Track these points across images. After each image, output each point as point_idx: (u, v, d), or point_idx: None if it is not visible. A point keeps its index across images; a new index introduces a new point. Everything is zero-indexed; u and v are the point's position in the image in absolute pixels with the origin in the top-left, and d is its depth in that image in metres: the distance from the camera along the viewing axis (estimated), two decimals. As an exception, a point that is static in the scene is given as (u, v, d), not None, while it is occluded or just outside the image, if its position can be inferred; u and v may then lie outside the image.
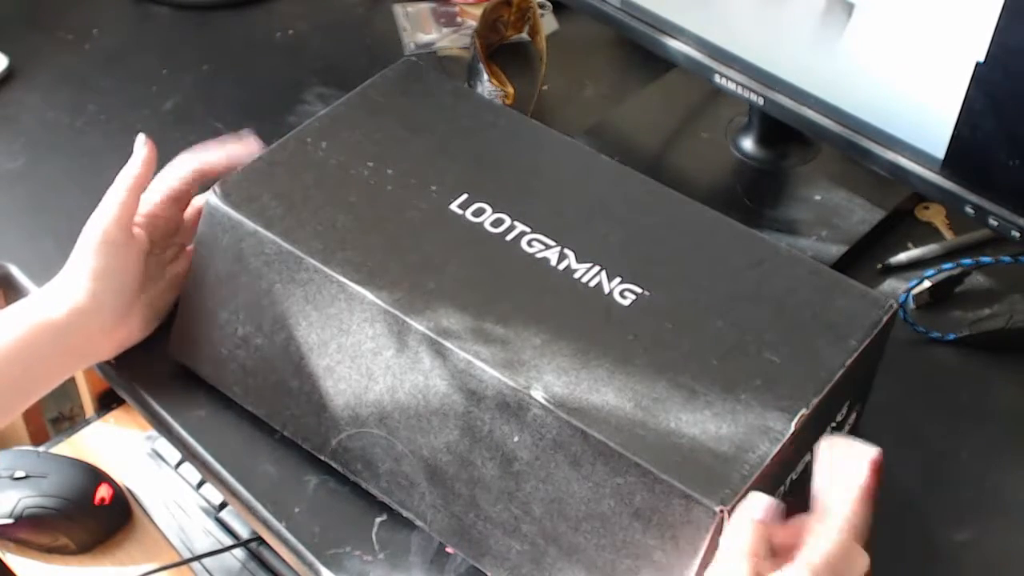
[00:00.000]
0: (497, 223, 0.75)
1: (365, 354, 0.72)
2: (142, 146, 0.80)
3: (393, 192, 0.77)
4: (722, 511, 0.62)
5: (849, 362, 0.69)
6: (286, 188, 0.77)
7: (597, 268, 0.73)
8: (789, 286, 0.73)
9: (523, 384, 0.67)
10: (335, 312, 0.72)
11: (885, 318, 0.72)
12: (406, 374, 0.70)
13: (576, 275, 0.72)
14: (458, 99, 0.85)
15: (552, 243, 0.74)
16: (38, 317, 0.75)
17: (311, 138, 0.81)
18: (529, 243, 0.74)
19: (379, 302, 0.70)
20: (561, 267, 0.73)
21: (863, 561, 0.59)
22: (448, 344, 0.68)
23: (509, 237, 0.74)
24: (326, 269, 0.72)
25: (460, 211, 0.76)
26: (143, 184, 0.79)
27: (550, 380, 0.67)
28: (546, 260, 0.73)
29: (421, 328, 0.69)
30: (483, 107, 0.86)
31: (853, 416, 0.76)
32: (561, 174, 0.81)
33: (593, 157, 0.83)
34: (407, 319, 0.70)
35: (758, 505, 0.61)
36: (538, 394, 0.66)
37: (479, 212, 0.76)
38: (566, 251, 0.74)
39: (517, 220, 0.75)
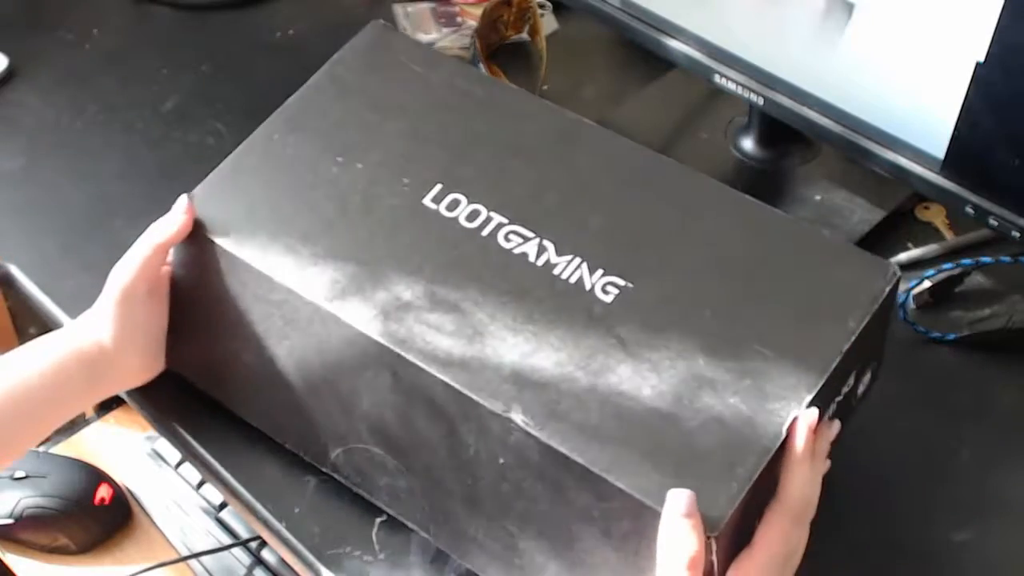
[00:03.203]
0: (472, 216, 0.72)
1: (347, 373, 0.70)
2: (183, 208, 0.75)
3: (364, 190, 0.74)
4: (710, 537, 0.61)
5: (847, 347, 0.66)
6: (254, 197, 0.75)
7: (578, 260, 0.70)
8: (786, 260, 0.69)
9: (502, 407, 0.65)
10: (313, 332, 0.71)
11: (888, 289, 0.68)
12: (387, 395, 0.69)
13: (556, 271, 0.69)
14: (430, 68, 0.80)
15: (530, 235, 0.71)
16: (71, 346, 0.75)
17: (277, 134, 0.78)
18: (506, 236, 0.71)
19: (353, 325, 0.69)
20: (540, 263, 0.70)
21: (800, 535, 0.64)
22: (425, 367, 0.67)
23: (485, 232, 0.71)
24: (298, 292, 0.70)
25: (434, 205, 0.73)
26: (171, 245, 0.76)
27: (530, 399, 0.65)
28: (524, 256, 0.70)
29: (396, 350, 0.67)
30: (457, 75, 0.81)
31: (867, 377, 0.73)
32: (541, 146, 0.76)
33: (577, 124, 0.78)
34: (382, 341, 0.68)
35: (681, 502, 0.61)
36: (518, 417, 0.64)
37: (454, 205, 0.73)
38: (545, 243, 0.70)
39: (494, 211, 0.72)
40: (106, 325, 0.76)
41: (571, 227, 0.71)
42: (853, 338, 0.66)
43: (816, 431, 0.64)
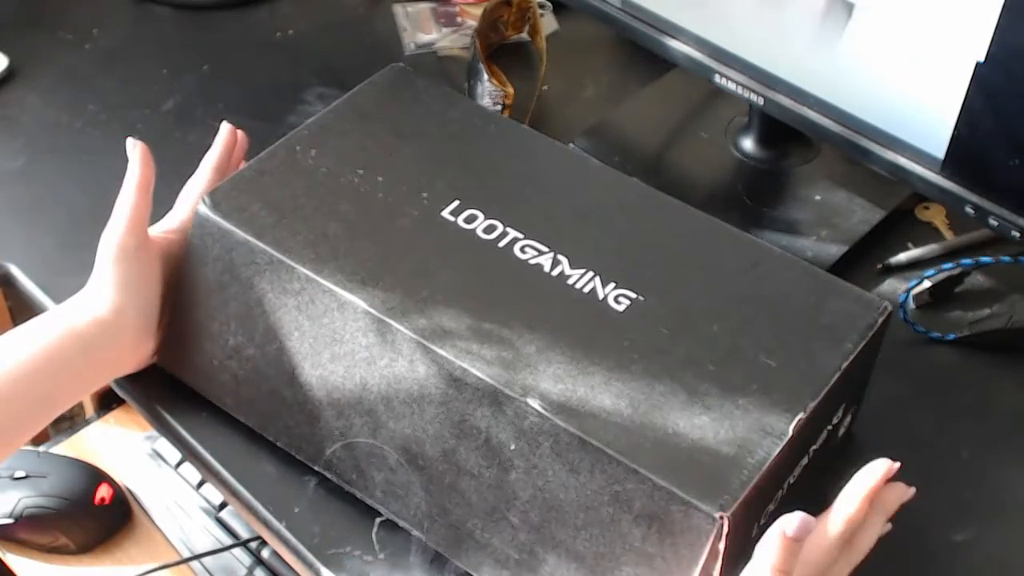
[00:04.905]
0: (489, 229, 0.75)
1: (359, 363, 0.71)
2: (134, 148, 0.78)
3: (384, 199, 0.77)
4: (722, 517, 0.62)
5: (845, 365, 0.69)
6: (276, 197, 0.76)
7: (591, 274, 0.72)
8: (784, 289, 0.73)
9: (519, 392, 0.66)
10: (328, 321, 0.72)
11: (880, 320, 0.72)
12: (401, 383, 0.70)
13: (570, 281, 0.72)
14: (448, 105, 0.85)
15: (545, 249, 0.74)
16: (64, 326, 0.75)
17: (300, 146, 0.80)
18: (522, 249, 0.74)
19: (372, 311, 0.70)
20: (555, 273, 0.73)
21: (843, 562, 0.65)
22: (443, 352, 0.68)
23: (502, 244, 0.74)
24: (318, 279, 0.72)
25: (452, 218, 0.75)
26: (148, 185, 0.78)
27: (546, 387, 0.66)
28: (539, 266, 0.73)
29: (415, 337, 0.69)
30: (473, 112, 0.86)
31: (848, 418, 0.76)
32: (553, 179, 0.80)
33: (585, 162, 0.83)
34: (401, 328, 0.69)
35: (792, 522, 0.61)
36: (535, 402, 0.66)
37: (471, 219, 0.75)
38: (559, 257, 0.73)
39: (509, 226, 0.75)
40: (103, 294, 0.75)
41: (584, 245, 0.74)
42: (851, 357, 0.69)
43: (883, 486, 0.66)
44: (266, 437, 0.78)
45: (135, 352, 0.79)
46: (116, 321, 0.76)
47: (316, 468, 0.76)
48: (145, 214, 0.78)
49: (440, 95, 0.85)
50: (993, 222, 0.81)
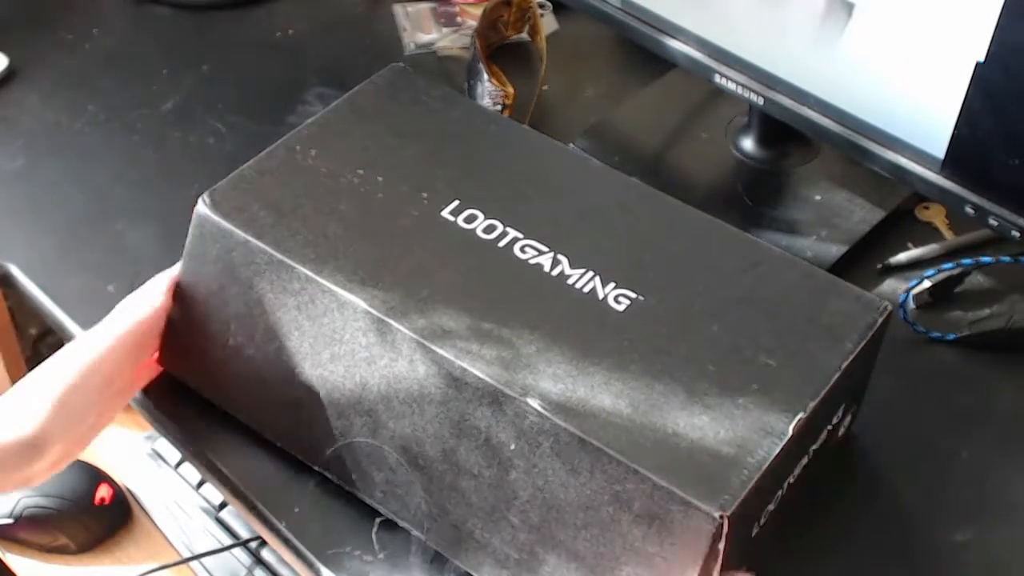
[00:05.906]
0: (489, 229, 0.75)
1: (359, 363, 0.71)
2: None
3: (384, 199, 0.77)
4: (722, 517, 0.62)
5: (845, 365, 0.69)
6: (276, 197, 0.76)
7: (591, 274, 0.72)
8: (784, 289, 0.73)
9: (519, 391, 0.66)
10: (328, 321, 0.72)
11: (880, 320, 0.72)
12: (400, 383, 0.70)
13: (570, 281, 0.72)
14: (448, 105, 0.85)
15: (545, 249, 0.74)
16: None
17: (300, 146, 0.80)
18: (522, 249, 0.74)
19: (372, 311, 0.70)
20: (555, 273, 0.73)
21: None
22: (443, 352, 0.68)
23: (501, 243, 0.74)
24: (318, 278, 0.72)
25: (452, 218, 0.75)
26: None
27: (546, 387, 0.66)
28: (539, 266, 0.73)
29: (415, 336, 0.69)
30: (473, 112, 0.86)
31: (848, 418, 0.76)
32: (553, 179, 0.80)
33: (585, 162, 0.83)
34: (401, 328, 0.69)
35: None
36: (534, 402, 0.66)
37: (471, 219, 0.75)
38: (559, 257, 0.73)
39: (509, 226, 0.75)
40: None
41: (584, 245, 0.74)
42: (851, 357, 0.69)
43: None
44: (266, 437, 0.78)
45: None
46: None
47: (316, 468, 0.76)
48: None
49: (440, 95, 0.85)
50: (993, 222, 0.81)
